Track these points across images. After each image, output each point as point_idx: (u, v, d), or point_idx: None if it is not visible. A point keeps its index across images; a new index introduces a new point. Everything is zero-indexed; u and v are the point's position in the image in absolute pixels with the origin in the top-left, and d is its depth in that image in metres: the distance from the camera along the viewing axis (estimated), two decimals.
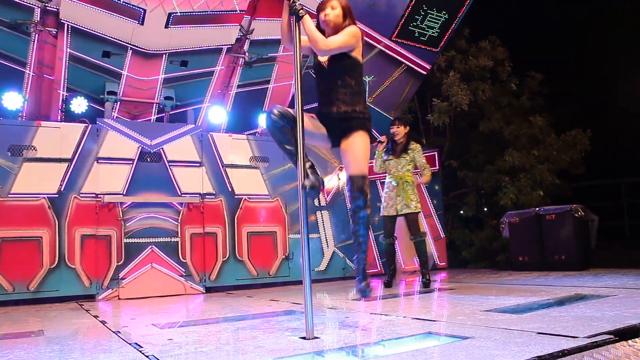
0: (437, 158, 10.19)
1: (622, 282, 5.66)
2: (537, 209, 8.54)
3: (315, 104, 3.72)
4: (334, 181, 8.96)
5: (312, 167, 3.48)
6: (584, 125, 11.06)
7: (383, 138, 6.84)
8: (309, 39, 3.41)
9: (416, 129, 12.49)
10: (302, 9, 3.39)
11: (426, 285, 6.51)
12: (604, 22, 12.71)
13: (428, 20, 9.39)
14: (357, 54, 3.59)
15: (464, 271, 9.35)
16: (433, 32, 9.55)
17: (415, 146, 6.80)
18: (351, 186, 3.52)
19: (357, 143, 3.52)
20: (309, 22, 3.40)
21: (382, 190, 7.10)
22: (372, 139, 4.03)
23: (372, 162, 6.86)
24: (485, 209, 12.07)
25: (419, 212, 6.70)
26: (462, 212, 12.05)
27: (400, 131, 6.79)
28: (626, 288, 5.13)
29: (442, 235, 10.01)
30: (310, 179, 3.34)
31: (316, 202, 8.70)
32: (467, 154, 12.03)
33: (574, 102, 12.50)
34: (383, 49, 9.52)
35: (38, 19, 7.53)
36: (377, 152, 6.80)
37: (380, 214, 6.81)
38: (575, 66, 12.86)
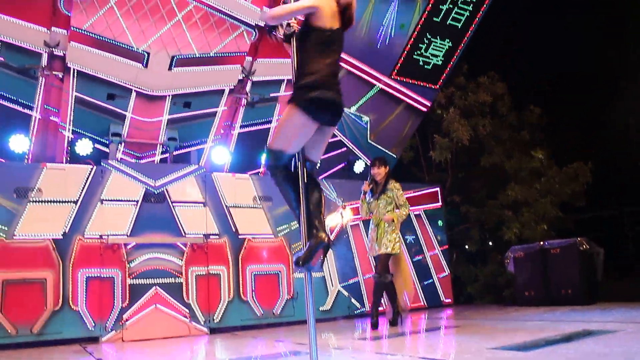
0: (439, 194, 10.22)
1: (630, 316, 5.62)
2: (541, 243, 8.52)
3: None
4: (337, 219, 8.97)
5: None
6: (585, 156, 11.11)
7: (365, 186, 6.88)
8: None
9: (418, 165, 12.55)
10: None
11: (392, 324, 6.57)
12: (601, 53, 12.88)
13: (432, 49, 9.52)
14: (316, 19, 3.28)
15: (470, 307, 9.28)
16: (437, 61, 9.67)
17: (393, 185, 6.80)
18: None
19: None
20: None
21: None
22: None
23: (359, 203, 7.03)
24: (490, 243, 12.03)
25: (393, 253, 6.58)
26: (467, 247, 12.00)
27: (381, 172, 6.83)
28: (635, 322, 5.09)
29: (446, 272, 9.96)
30: (318, 262, 3.19)
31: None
32: (469, 189, 12.05)
33: (574, 134, 12.59)
34: (383, 87, 9.65)
35: (45, 64, 7.69)
36: (360, 198, 6.92)
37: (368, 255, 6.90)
38: (574, 98, 13.00)
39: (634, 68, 11.87)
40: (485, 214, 11.30)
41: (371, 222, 6.87)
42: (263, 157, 9.13)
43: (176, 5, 7.60)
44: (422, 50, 9.50)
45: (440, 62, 9.74)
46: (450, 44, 9.60)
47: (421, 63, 9.61)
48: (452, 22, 9.37)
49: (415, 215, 9.72)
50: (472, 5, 9.29)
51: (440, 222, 10.10)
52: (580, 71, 12.95)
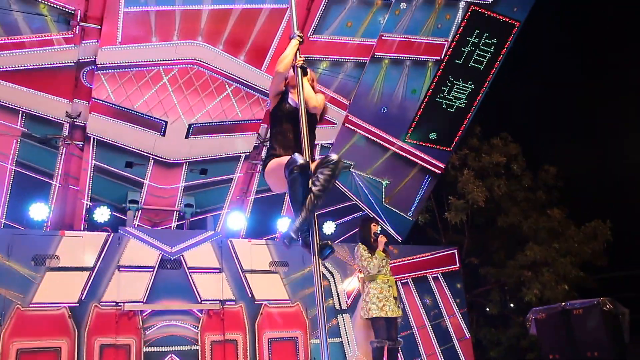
0: (457, 256, 10.07)
1: None
2: (563, 303, 8.32)
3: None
4: (354, 283, 8.84)
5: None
6: (603, 214, 11.00)
7: (383, 238, 6.56)
8: (309, 94, 3.88)
9: (434, 227, 12.48)
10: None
11: None
12: (613, 108, 12.94)
13: (455, 91, 9.52)
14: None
15: None
16: (460, 103, 9.63)
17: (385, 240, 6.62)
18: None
19: None
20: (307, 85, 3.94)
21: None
22: None
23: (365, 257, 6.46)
24: (512, 305, 11.77)
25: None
26: (487, 309, 11.74)
27: (378, 229, 6.69)
28: None
29: (467, 335, 9.69)
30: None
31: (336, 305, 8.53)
32: (487, 250, 11.91)
33: (591, 192, 12.51)
34: (397, 150, 9.73)
35: (66, 133, 7.90)
36: (377, 252, 6.35)
37: (371, 316, 6.16)
38: (588, 155, 13.00)
39: None
40: (505, 275, 11.12)
41: (380, 281, 6.46)
42: (278, 222, 9.12)
43: (193, 76, 7.85)
44: (445, 93, 9.46)
45: (463, 105, 9.63)
46: (472, 87, 9.52)
47: (444, 106, 9.55)
48: (473, 64, 9.41)
49: (433, 278, 9.57)
50: (493, 47, 9.34)
51: (458, 285, 9.90)
52: (593, 127, 13.00)
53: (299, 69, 3.93)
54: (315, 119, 4.02)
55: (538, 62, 13.91)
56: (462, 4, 8.83)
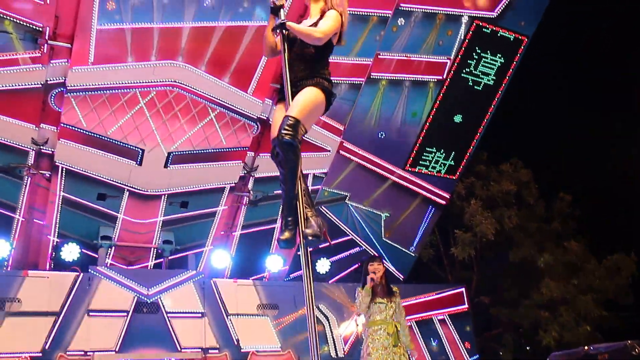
0: (465, 295, 9.92)
1: None
2: (586, 347, 8.18)
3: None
4: (352, 327, 8.69)
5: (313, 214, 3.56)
6: (627, 246, 10.94)
7: (372, 275, 6.35)
8: (302, 36, 3.74)
9: (439, 263, 12.37)
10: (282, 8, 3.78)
11: None
12: (635, 129, 12.93)
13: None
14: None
15: None
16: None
17: (397, 289, 6.43)
18: (281, 125, 3.53)
19: (303, 92, 3.67)
20: (293, 25, 3.76)
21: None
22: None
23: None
24: (528, 349, 11.62)
25: None
26: (500, 353, 11.57)
27: (381, 268, 6.47)
28: None
29: None
30: (312, 226, 3.44)
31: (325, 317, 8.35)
32: (498, 288, 11.80)
33: (612, 221, 12.45)
34: (397, 179, 9.66)
35: (32, 162, 7.80)
36: (365, 288, 5.92)
37: None
38: (607, 182, 12.96)
39: None
40: (519, 316, 11.01)
41: (379, 329, 6.23)
42: (267, 260, 8.97)
43: (173, 100, 7.79)
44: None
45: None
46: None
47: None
48: (479, 83, 9.36)
49: (440, 320, 9.40)
50: (499, 64, 9.28)
51: (467, 327, 9.73)
52: (614, 154, 12.99)
53: (280, 36, 3.84)
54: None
55: (549, 79, 14.00)
56: (464, 19, 8.87)
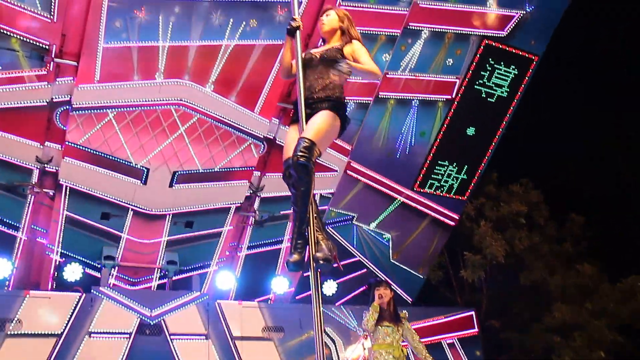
0: (474, 319, 9.81)
1: None
2: None
3: None
4: (359, 351, 8.59)
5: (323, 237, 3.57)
6: None
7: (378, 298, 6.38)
8: (364, 73, 4.07)
9: (448, 286, 12.27)
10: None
11: None
12: None
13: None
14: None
15: None
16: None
17: (405, 315, 6.41)
18: (297, 147, 3.54)
19: (320, 115, 3.72)
20: (353, 64, 3.91)
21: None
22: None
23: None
24: None
25: None
26: None
27: (388, 293, 6.45)
28: None
29: None
30: (323, 250, 3.45)
31: None
32: (509, 312, 11.69)
33: (625, 242, 12.30)
34: (405, 200, 9.60)
35: (36, 180, 7.81)
36: (372, 305, 6.10)
37: None
38: (620, 202, 12.85)
39: None
40: (531, 341, 10.88)
41: (385, 352, 6.24)
42: (273, 282, 8.92)
43: (179, 118, 7.81)
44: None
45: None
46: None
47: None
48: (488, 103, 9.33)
49: (449, 345, 9.29)
50: (509, 84, 9.21)
51: (477, 352, 9.62)
52: (627, 174, 12.90)
53: (298, 60, 3.88)
54: (330, 63, 4.00)
55: (560, 99, 13.94)
56: (474, 38, 8.87)
